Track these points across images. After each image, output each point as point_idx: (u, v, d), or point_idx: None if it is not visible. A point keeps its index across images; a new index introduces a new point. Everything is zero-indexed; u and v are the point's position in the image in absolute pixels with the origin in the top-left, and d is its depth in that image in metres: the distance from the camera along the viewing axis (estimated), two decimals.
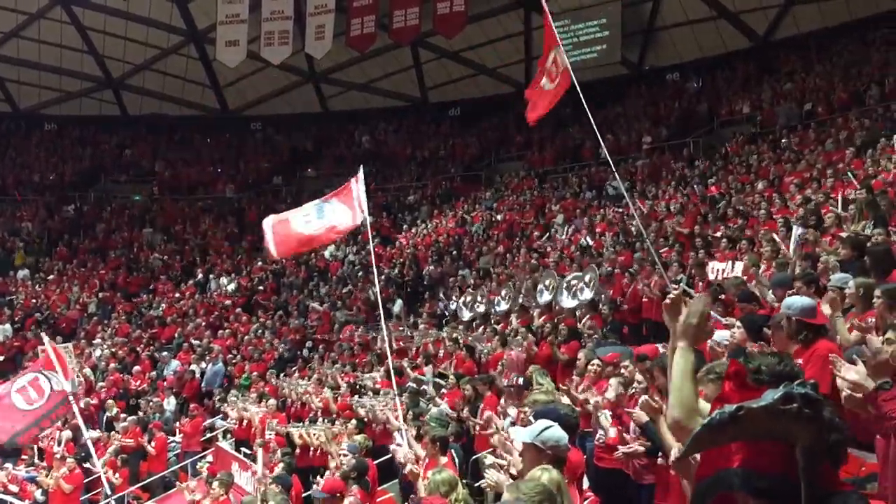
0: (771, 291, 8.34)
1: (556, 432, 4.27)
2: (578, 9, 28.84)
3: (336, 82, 32.98)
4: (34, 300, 25.41)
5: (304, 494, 10.31)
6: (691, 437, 2.16)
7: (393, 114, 33.51)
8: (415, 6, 29.03)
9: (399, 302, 20.61)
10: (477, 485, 8.00)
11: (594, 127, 9.87)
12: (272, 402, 14.68)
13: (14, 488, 14.45)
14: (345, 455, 9.19)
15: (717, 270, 11.40)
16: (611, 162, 9.95)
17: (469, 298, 17.14)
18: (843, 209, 11.39)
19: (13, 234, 29.42)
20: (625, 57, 29.01)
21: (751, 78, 26.02)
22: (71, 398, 13.05)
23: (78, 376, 16.50)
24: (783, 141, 19.50)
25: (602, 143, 10.42)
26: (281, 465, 10.50)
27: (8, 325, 23.88)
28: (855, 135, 17.61)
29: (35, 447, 15.54)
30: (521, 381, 9.10)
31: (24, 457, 15.84)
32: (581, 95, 9.11)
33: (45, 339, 14.77)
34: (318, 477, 9.52)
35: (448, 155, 30.55)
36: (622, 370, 7.51)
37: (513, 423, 7.23)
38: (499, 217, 23.42)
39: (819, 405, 2.02)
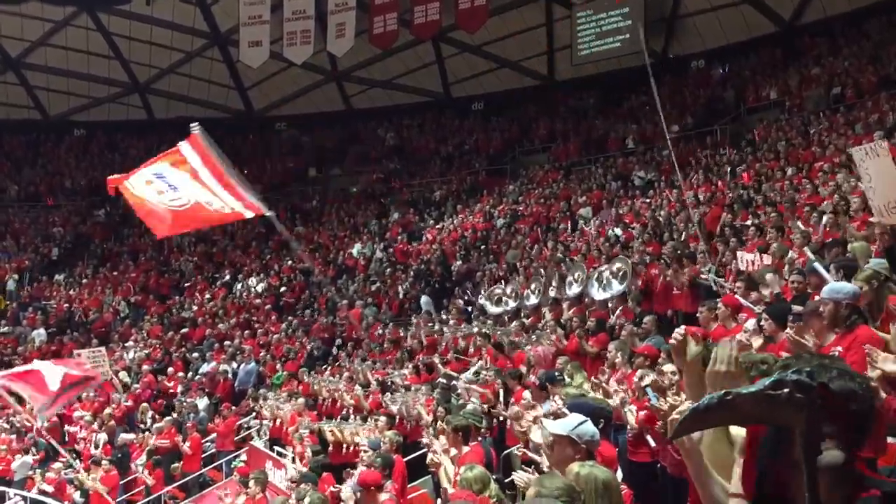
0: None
1: (591, 427, 4.30)
2: None
3: (359, 80, 33.05)
4: (67, 304, 25.76)
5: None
6: (679, 420, 2.10)
7: (416, 110, 33.49)
8: (436, 1, 28.99)
9: (426, 298, 20.61)
10: (507, 480, 7.97)
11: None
12: (301, 400, 14.77)
13: (49, 488, 14.71)
14: (365, 451, 9.19)
15: (748, 261, 11.22)
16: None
17: (497, 292, 16.99)
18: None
19: (46, 239, 29.86)
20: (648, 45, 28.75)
21: (777, 63, 25.67)
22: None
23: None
24: (812, 126, 19.22)
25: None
26: (310, 463, 10.55)
27: (42, 330, 24.23)
28: (885, 118, 17.31)
29: (72, 449, 15.80)
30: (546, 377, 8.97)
31: (61, 459, 16.09)
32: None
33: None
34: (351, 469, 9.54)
35: (472, 149, 30.50)
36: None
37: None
38: (525, 211, 23.33)
39: (813, 392, 1.94)
